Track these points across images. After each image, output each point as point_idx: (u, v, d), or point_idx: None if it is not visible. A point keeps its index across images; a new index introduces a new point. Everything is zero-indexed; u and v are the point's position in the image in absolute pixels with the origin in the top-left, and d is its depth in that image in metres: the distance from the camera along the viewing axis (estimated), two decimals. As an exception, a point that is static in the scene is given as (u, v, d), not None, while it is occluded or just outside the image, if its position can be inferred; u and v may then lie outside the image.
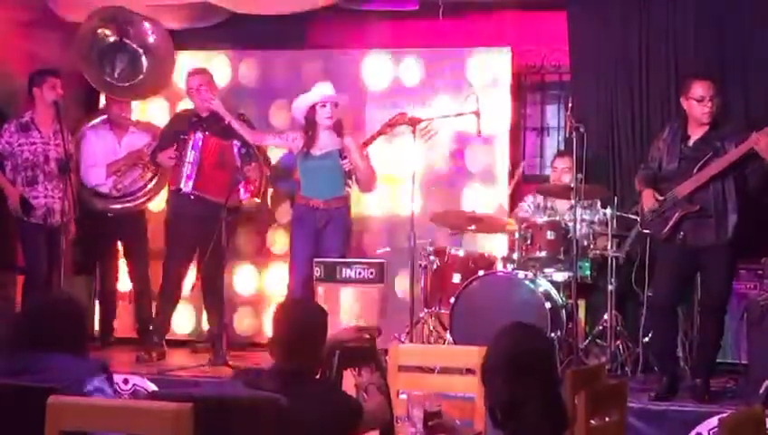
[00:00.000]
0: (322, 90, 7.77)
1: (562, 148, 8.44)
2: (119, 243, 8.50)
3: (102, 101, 8.97)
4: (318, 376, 4.19)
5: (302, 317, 4.12)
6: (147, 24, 8.44)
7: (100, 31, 8.40)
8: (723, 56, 7.94)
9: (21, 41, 8.64)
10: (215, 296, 7.91)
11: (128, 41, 8.45)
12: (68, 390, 3.78)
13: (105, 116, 8.61)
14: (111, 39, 8.44)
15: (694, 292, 7.07)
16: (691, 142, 6.74)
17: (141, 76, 8.49)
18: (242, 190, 7.77)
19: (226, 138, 7.80)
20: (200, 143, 7.81)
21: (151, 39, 8.46)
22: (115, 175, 8.35)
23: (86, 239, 8.42)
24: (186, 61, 8.84)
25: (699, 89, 6.66)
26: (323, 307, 4.28)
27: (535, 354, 3.64)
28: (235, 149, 7.73)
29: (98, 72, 8.45)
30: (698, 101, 6.65)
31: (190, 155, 7.82)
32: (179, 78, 8.79)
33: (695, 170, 6.64)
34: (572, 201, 7.51)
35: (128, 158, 8.40)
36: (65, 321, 4.08)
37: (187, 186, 7.83)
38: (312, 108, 7.72)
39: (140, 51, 8.47)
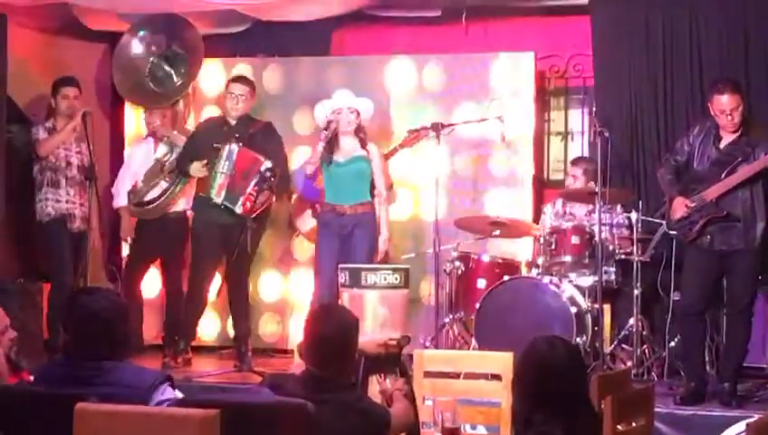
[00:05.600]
0: (342, 97, 7.79)
1: (586, 152, 8.42)
2: (153, 250, 8.46)
3: (128, 112, 9.00)
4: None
5: (335, 326, 4.11)
6: (185, 25, 8.46)
7: (149, 57, 8.46)
8: (747, 60, 7.92)
9: (47, 49, 8.70)
10: (240, 303, 7.93)
11: (174, 46, 8.48)
12: (134, 400, 3.81)
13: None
14: (160, 50, 8.48)
15: (720, 296, 7.05)
16: (722, 145, 6.73)
17: (184, 79, 8.50)
18: (239, 203, 7.75)
19: (259, 153, 7.78)
20: (234, 156, 7.80)
21: (189, 39, 8.47)
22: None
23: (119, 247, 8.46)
24: (211, 68, 8.87)
25: (722, 103, 6.64)
26: (355, 315, 4.26)
27: (555, 372, 3.66)
28: (262, 168, 7.72)
29: (146, 88, 8.49)
30: (720, 114, 6.65)
31: (224, 166, 7.79)
32: (205, 84, 8.85)
33: (723, 175, 6.63)
34: (590, 206, 7.53)
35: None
36: (121, 325, 4.09)
37: (219, 196, 7.82)
38: (333, 114, 7.74)
39: (185, 53, 8.47)
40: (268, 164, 7.68)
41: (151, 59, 8.51)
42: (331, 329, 4.07)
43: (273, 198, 7.89)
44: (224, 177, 7.80)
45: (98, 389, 3.81)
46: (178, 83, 8.50)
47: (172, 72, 8.50)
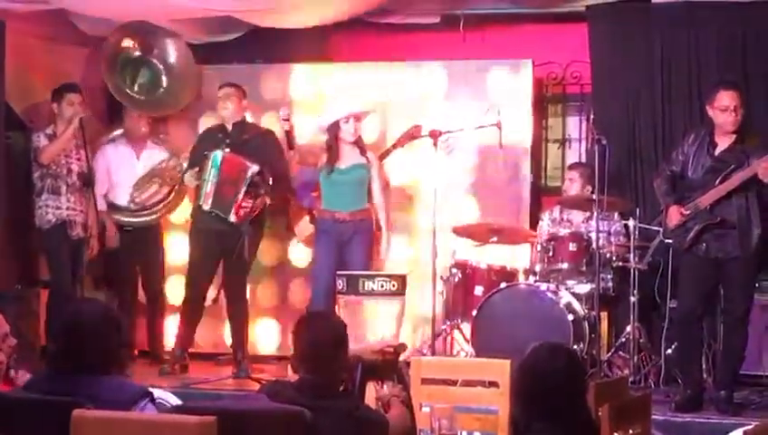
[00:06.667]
0: (347, 106, 7.79)
1: (584, 159, 8.44)
2: (132, 257, 8.48)
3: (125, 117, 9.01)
4: (341, 389, 4.20)
5: (323, 331, 4.12)
6: (169, 42, 8.45)
7: (125, 44, 8.41)
8: (745, 69, 7.92)
9: (44, 56, 8.69)
10: (238, 309, 7.92)
11: (151, 57, 8.46)
12: None
13: (122, 130, 8.63)
14: (136, 53, 8.46)
15: (717, 303, 7.05)
16: (717, 152, 6.74)
17: (160, 92, 8.49)
18: (231, 211, 7.76)
19: (249, 158, 7.78)
20: (219, 161, 7.81)
21: (172, 58, 8.47)
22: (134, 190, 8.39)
23: (107, 253, 8.45)
24: (207, 74, 8.87)
25: (725, 99, 6.65)
26: (342, 319, 4.29)
27: (551, 378, 3.67)
28: (249, 173, 7.72)
29: (120, 84, 8.48)
30: (723, 111, 6.64)
31: (209, 173, 7.83)
32: (203, 92, 8.85)
33: (717, 182, 6.64)
34: (587, 213, 7.53)
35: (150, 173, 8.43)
36: (107, 338, 3.95)
37: (206, 203, 7.84)
38: (336, 123, 7.76)
39: (162, 68, 8.47)
40: (255, 168, 7.68)
41: (121, 60, 8.47)
42: (320, 334, 4.08)
43: (268, 200, 7.85)
44: (210, 184, 7.80)
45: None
46: (158, 95, 8.49)
47: (137, 79, 8.50)
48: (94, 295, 8.23)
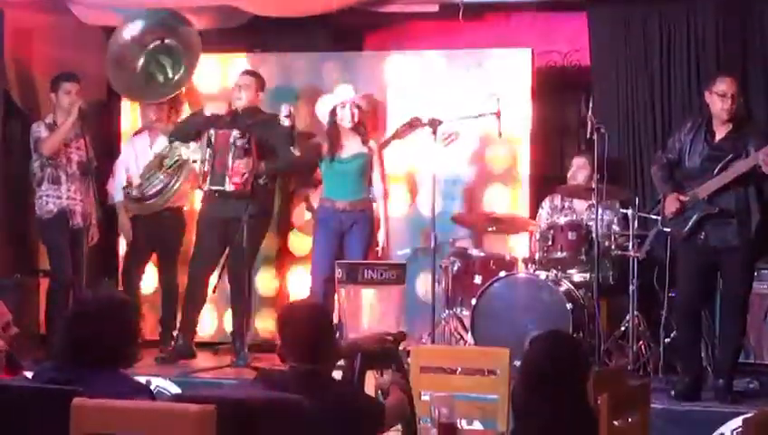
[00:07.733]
0: (343, 91, 7.80)
1: (583, 148, 8.44)
2: (149, 245, 8.46)
3: (124, 106, 8.99)
4: (340, 378, 4.21)
5: (306, 320, 4.11)
6: (179, 21, 8.44)
7: (140, 45, 8.42)
8: (744, 57, 7.93)
9: (43, 45, 8.69)
10: (240, 298, 7.89)
11: (168, 40, 8.44)
12: None
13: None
14: (154, 44, 8.45)
15: (715, 292, 7.06)
16: (715, 141, 6.74)
17: (180, 73, 8.47)
18: (227, 180, 7.75)
19: (259, 142, 7.76)
20: (213, 139, 7.79)
21: (180, 27, 8.44)
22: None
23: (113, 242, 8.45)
24: (208, 63, 8.85)
25: (723, 84, 6.66)
26: (327, 307, 4.28)
27: (554, 365, 3.69)
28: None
29: (149, 84, 8.46)
30: (721, 97, 6.64)
31: (206, 152, 7.81)
32: (200, 81, 8.83)
33: (715, 171, 6.63)
34: (590, 201, 7.53)
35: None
36: (111, 333, 3.91)
37: (206, 183, 7.84)
38: (333, 109, 7.76)
39: (177, 43, 8.44)
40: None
41: (144, 52, 8.47)
42: (302, 323, 4.07)
43: (262, 165, 7.78)
44: (208, 164, 7.79)
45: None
46: (173, 78, 8.47)
47: (166, 66, 8.48)
48: (94, 285, 8.21)
